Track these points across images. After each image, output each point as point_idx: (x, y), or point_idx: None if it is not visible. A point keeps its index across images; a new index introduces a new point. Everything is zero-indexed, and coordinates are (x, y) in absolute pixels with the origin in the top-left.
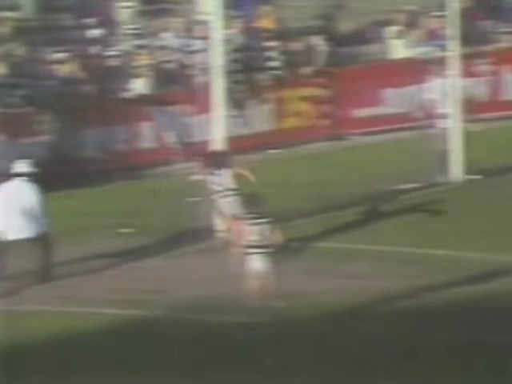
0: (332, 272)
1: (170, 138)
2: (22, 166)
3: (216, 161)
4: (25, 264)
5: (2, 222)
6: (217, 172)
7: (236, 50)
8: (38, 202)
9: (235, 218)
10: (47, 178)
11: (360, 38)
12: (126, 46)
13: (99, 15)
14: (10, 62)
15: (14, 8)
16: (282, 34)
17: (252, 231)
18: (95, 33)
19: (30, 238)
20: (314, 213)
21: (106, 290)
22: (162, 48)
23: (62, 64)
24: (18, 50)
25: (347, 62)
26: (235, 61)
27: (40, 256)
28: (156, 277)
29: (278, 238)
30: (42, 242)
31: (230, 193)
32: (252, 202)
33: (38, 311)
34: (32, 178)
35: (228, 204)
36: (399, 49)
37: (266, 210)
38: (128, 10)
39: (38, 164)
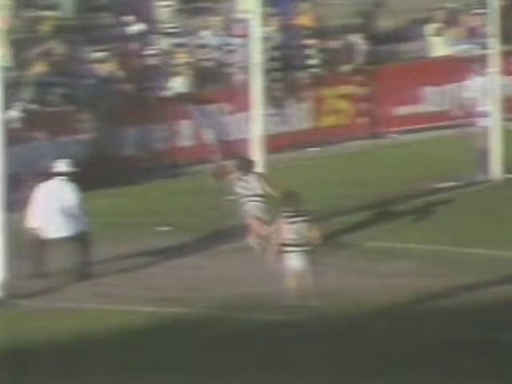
0: (371, 270)
1: (209, 136)
2: (61, 166)
3: (244, 166)
4: (64, 262)
5: (42, 220)
6: (244, 177)
7: (274, 48)
8: (77, 201)
9: (262, 221)
10: (86, 177)
11: (399, 35)
12: (165, 44)
13: (138, 14)
14: (50, 60)
15: (54, 7)
16: (320, 32)
17: (289, 229)
18: (134, 32)
19: (69, 237)
20: (352, 211)
21: (144, 288)
22: (201, 46)
23: (102, 63)
24: (58, 48)
25: (386, 60)
26: (274, 59)
27: (79, 254)
28: (194, 275)
29: (315, 236)
30: (81, 240)
31: (258, 198)
32: (289, 201)
33: (76, 309)
34: (71, 177)
35: (255, 208)
36: (439, 47)
37: (303, 209)
38: (167, 8)
39: (77, 163)
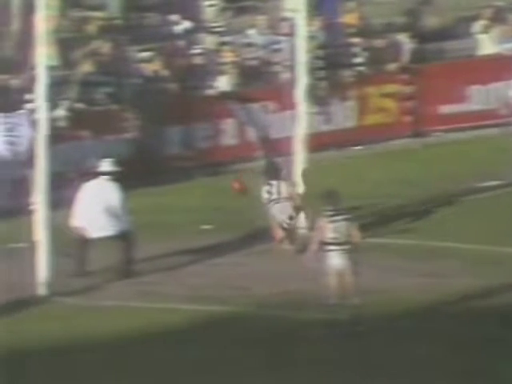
0: (412, 269)
1: (253, 134)
2: (105, 165)
3: (271, 171)
4: (107, 261)
5: (85, 220)
6: (272, 182)
7: (320, 47)
8: (120, 201)
9: (284, 226)
10: (130, 175)
11: (446, 34)
12: (210, 43)
13: (184, 13)
14: (96, 60)
15: (100, 7)
16: (365, 31)
17: (330, 228)
18: (180, 30)
19: (112, 236)
20: (395, 209)
21: (186, 286)
22: (247, 45)
23: (147, 62)
24: (104, 48)
25: (432, 59)
26: (319, 57)
27: (122, 253)
28: (236, 273)
29: (356, 235)
30: (124, 239)
31: (285, 202)
32: (330, 199)
33: (119, 307)
34: (115, 176)
35: (280, 212)
36: (486, 45)
37: (344, 207)
38: (213, 7)
39: (121, 162)
